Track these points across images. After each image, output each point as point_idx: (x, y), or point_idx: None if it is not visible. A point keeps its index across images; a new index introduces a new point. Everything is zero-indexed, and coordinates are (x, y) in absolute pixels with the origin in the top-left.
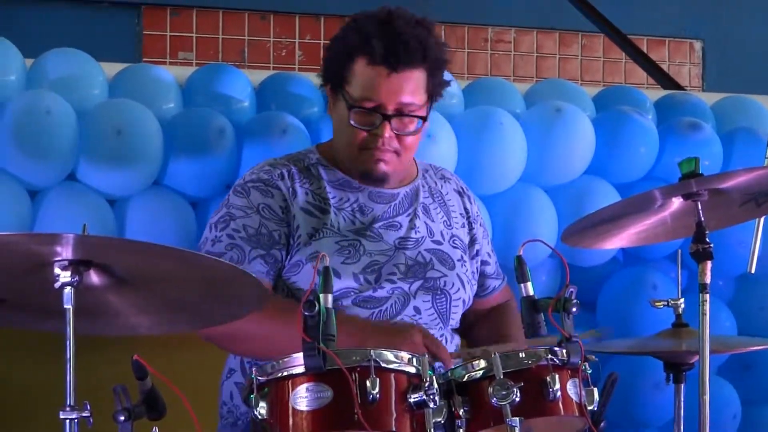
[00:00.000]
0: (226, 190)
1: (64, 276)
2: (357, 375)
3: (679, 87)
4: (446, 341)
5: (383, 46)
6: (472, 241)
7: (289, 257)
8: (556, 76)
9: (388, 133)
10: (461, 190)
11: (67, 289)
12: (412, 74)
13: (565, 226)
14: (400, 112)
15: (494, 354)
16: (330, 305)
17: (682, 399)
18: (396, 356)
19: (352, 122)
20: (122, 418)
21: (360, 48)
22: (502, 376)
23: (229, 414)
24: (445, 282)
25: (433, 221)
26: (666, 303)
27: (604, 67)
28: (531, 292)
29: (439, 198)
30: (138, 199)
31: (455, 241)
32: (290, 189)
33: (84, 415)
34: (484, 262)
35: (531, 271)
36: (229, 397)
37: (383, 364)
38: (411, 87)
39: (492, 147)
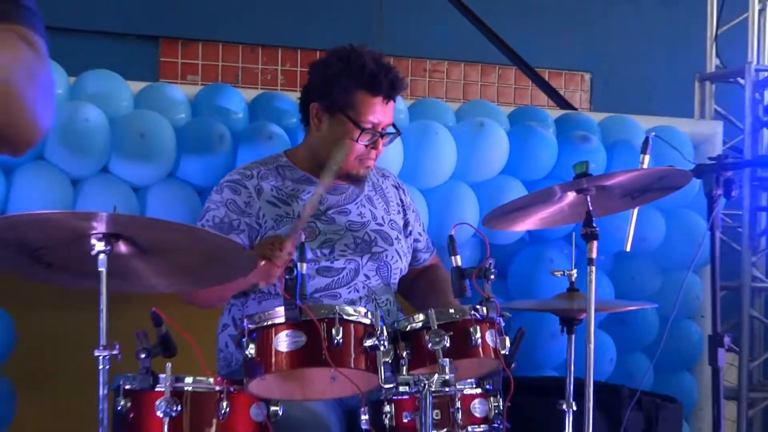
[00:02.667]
0: None
1: (99, 246)
2: (325, 325)
3: (572, 108)
4: (390, 301)
5: (387, 82)
6: (406, 224)
7: (258, 237)
8: (478, 98)
9: (381, 147)
10: (397, 185)
11: (101, 256)
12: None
13: (485, 213)
14: (389, 131)
15: (430, 310)
16: (305, 272)
17: (573, 346)
18: (355, 310)
19: (360, 141)
20: (143, 355)
21: (363, 82)
22: (436, 327)
23: (225, 359)
24: (386, 255)
25: (375, 208)
26: (562, 273)
27: (515, 92)
28: (459, 263)
29: (380, 191)
30: (156, 187)
31: (393, 224)
32: (257, 186)
33: (114, 352)
34: (416, 240)
35: (459, 247)
36: (224, 346)
37: (345, 317)
38: (393, 111)
39: (430, 152)
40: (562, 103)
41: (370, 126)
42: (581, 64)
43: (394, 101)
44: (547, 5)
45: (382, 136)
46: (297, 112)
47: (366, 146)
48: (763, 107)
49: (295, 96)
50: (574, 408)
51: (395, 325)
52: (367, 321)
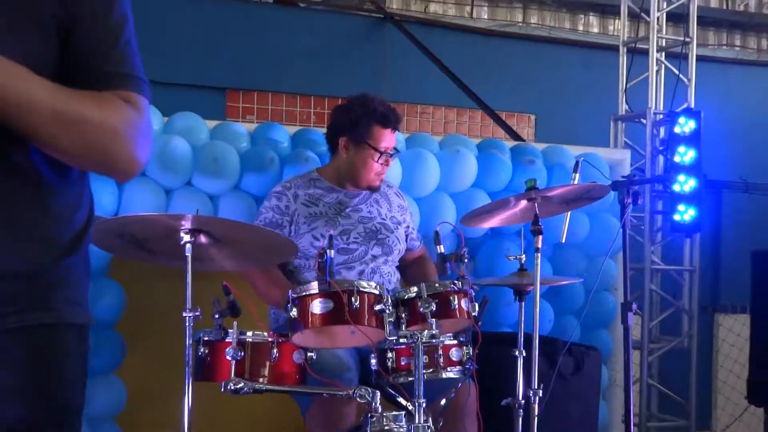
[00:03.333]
0: None
1: (186, 238)
2: (347, 295)
3: (522, 140)
4: (391, 273)
5: (393, 118)
6: (403, 220)
7: (295, 231)
8: (455, 133)
9: (390, 164)
10: (398, 193)
11: (188, 245)
12: None
13: (461, 215)
14: (394, 152)
15: (421, 284)
16: (333, 256)
17: (523, 310)
18: (368, 284)
19: (379, 161)
20: (217, 316)
21: (377, 119)
22: (426, 296)
23: (274, 319)
24: (388, 240)
25: (381, 208)
26: (515, 257)
27: (481, 128)
28: (443, 251)
29: (385, 196)
30: (225, 196)
31: (393, 219)
32: (294, 194)
33: (196, 314)
34: (408, 234)
35: (441, 239)
36: (272, 310)
37: (361, 289)
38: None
39: (421, 171)
40: (515, 136)
41: (383, 150)
42: (528, 108)
43: (397, 131)
44: (504, 68)
45: (391, 155)
46: (325, 142)
47: (381, 164)
48: (659, 140)
49: (322, 131)
50: (524, 354)
51: (396, 295)
52: (377, 292)
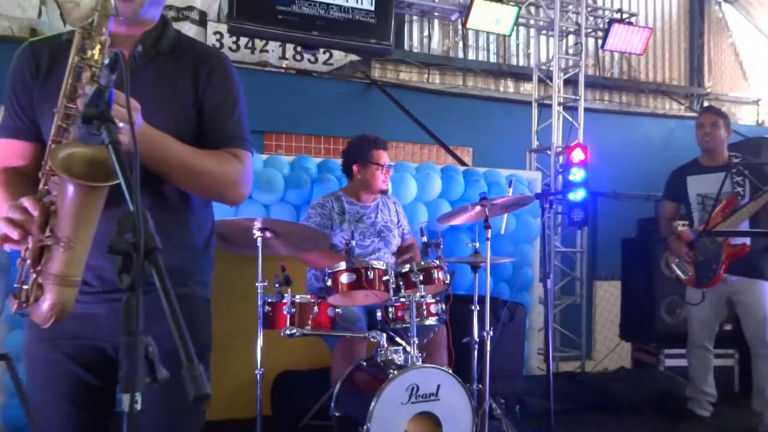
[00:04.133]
0: (307, 204)
1: (257, 233)
2: (364, 269)
3: (468, 165)
4: (389, 259)
5: (382, 142)
6: (399, 221)
7: (332, 229)
8: (426, 161)
9: (390, 173)
10: (395, 202)
11: (259, 239)
12: None
13: (436, 217)
14: (390, 166)
15: (413, 263)
16: (354, 245)
17: (477, 280)
18: (378, 262)
19: (380, 173)
20: (277, 285)
21: (374, 145)
22: (416, 270)
23: (309, 285)
24: (388, 237)
25: (384, 214)
26: (472, 244)
27: (437, 157)
28: (425, 240)
29: (386, 205)
30: (275, 205)
31: (392, 222)
32: (330, 205)
33: (264, 284)
34: (403, 229)
35: (423, 232)
36: (310, 279)
37: (374, 266)
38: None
39: (404, 187)
40: (461, 163)
41: (383, 164)
42: (468, 143)
43: (386, 150)
44: (451, 116)
45: (388, 168)
46: (339, 169)
47: (384, 174)
48: (559, 165)
49: (337, 161)
50: (478, 308)
51: (397, 269)
52: (384, 268)
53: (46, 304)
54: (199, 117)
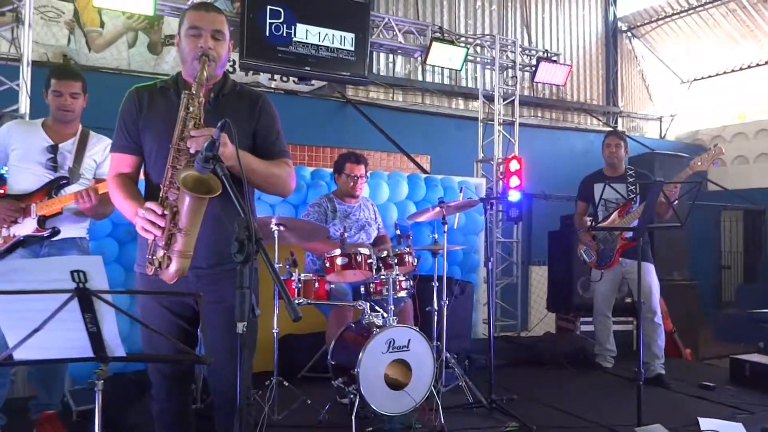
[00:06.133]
0: (304, 204)
1: (274, 227)
2: (353, 254)
3: (428, 173)
4: (370, 249)
5: (354, 157)
6: (375, 218)
7: (327, 224)
8: (395, 170)
9: (361, 182)
10: (372, 204)
11: (275, 231)
12: None
13: (406, 215)
14: (359, 176)
15: (390, 249)
16: (346, 237)
17: (437, 263)
18: (365, 248)
19: (350, 182)
20: (288, 266)
21: (347, 159)
22: (392, 255)
23: (307, 265)
24: (368, 230)
25: (363, 213)
26: (433, 236)
27: (400, 163)
28: (399, 233)
29: (366, 206)
30: (279, 205)
31: (370, 219)
32: (325, 204)
33: (279, 265)
34: (378, 225)
35: (396, 227)
36: (309, 262)
37: (361, 251)
38: (362, 169)
39: (378, 191)
40: (423, 170)
41: (352, 175)
42: (426, 152)
43: (361, 164)
44: (412, 129)
45: (358, 178)
46: (327, 176)
47: (353, 182)
48: (500, 173)
49: (328, 170)
50: (437, 285)
51: (377, 254)
52: (368, 252)
53: (172, 268)
54: (254, 139)
